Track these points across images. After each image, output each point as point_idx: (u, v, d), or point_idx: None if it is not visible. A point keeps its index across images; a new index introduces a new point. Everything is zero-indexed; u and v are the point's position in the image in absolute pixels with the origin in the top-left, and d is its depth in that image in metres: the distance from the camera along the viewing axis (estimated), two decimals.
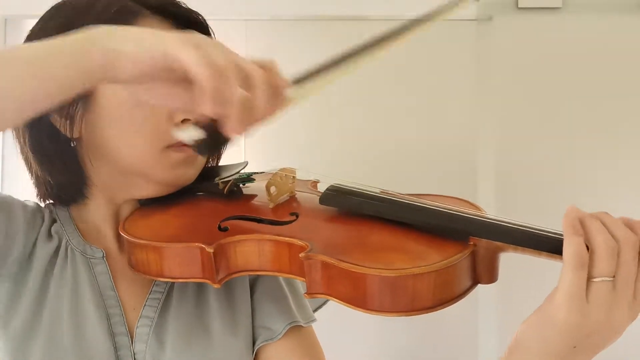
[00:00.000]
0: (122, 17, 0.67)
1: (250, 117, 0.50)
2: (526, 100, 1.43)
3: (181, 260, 0.64)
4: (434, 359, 1.42)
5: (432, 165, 1.43)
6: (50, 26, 0.68)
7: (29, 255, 0.67)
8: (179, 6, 0.71)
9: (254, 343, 0.73)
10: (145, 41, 0.50)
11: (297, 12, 1.43)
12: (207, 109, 0.48)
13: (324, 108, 1.44)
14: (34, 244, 0.68)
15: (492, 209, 1.40)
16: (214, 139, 0.52)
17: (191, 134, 0.51)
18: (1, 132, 0.49)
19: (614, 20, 1.41)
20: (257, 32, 1.44)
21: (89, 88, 0.50)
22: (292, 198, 0.74)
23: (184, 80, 0.52)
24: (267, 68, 0.52)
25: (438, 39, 1.45)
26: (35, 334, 0.63)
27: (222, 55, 0.50)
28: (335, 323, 1.38)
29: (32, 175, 0.72)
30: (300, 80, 0.58)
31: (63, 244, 0.70)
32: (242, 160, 0.83)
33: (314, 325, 0.78)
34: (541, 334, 0.52)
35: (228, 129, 0.50)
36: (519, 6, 1.42)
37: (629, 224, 0.53)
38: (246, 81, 0.50)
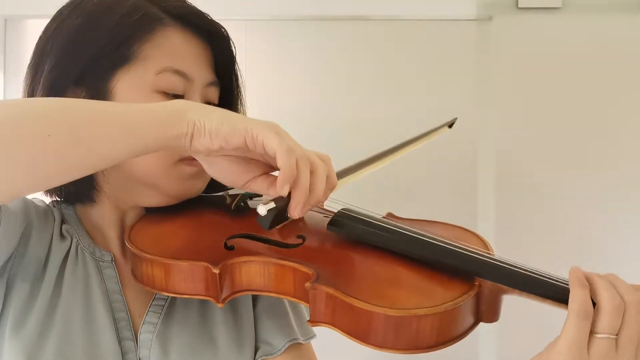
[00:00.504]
0: (145, 23, 0.66)
1: (310, 201, 0.58)
2: (526, 100, 1.43)
3: (186, 277, 0.63)
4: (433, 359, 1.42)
5: (431, 165, 1.43)
6: (68, 25, 0.66)
7: (46, 256, 0.67)
8: (202, 17, 0.71)
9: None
10: (231, 119, 0.55)
11: (297, 12, 1.43)
12: (284, 190, 0.56)
13: (324, 107, 1.44)
14: (50, 245, 0.68)
15: (492, 209, 1.41)
16: (280, 215, 0.59)
17: (269, 206, 0.57)
18: (74, 178, 0.51)
19: (614, 20, 1.41)
20: (257, 32, 1.43)
21: (161, 150, 0.55)
22: (299, 218, 0.73)
23: (244, 159, 0.60)
24: (324, 160, 0.61)
25: (438, 39, 1.45)
26: (48, 334, 0.63)
27: (296, 145, 0.58)
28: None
29: None
30: (342, 174, 0.67)
31: (74, 243, 0.69)
32: None
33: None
34: None
35: (292, 208, 0.58)
36: (519, 6, 1.42)
37: (635, 286, 0.53)
38: (311, 170, 0.58)
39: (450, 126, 1.08)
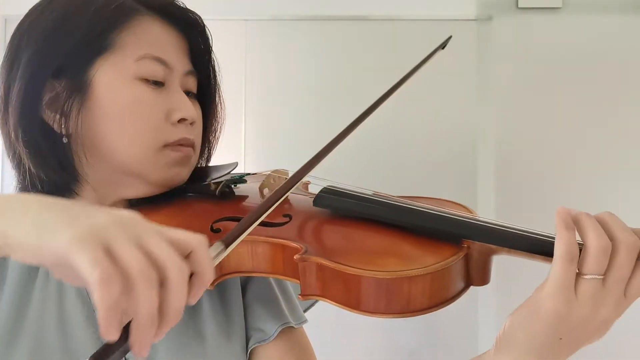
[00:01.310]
0: (121, 13, 0.66)
1: (163, 322, 0.41)
2: (526, 100, 1.43)
3: None
4: (434, 358, 1.42)
5: (431, 165, 1.43)
6: (44, 19, 0.66)
7: None
8: (177, 7, 0.71)
9: (246, 344, 0.73)
10: (41, 232, 0.41)
11: (297, 12, 1.43)
12: (110, 335, 0.38)
13: (323, 108, 1.44)
14: (3, 259, 0.66)
15: (492, 209, 1.41)
16: (113, 352, 0.39)
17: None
18: None
19: (614, 20, 1.41)
20: (257, 32, 1.43)
21: None
22: (285, 200, 0.73)
23: None
24: (192, 251, 0.43)
25: (438, 39, 1.45)
26: (15, 347, 0.62)
27: (134, 253, 0.39)
28: (332, 323, 1.38)
29: (20, 172, 0.70)
30: (228, 242, 0.50)
31: None
32: (236, 161, 0.83)
33: (308, 325, 0.77)
34: (528, 323, 0.53)
35: (135, 348, 0.40)
36: (519, 6, 1.42)
37: (634, 230, 0.53)
38: (161, 278, 0.40)
39: (443, 47, 0.90)
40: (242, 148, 1.42)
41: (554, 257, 0.51)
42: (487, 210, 1.42)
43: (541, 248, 0.55)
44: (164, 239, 0.42)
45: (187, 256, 0.43)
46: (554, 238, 0.54)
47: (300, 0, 1.44)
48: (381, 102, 0.73)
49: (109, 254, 0.39)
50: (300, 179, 0.61)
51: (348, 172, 1.32)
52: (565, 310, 0.51)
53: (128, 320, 0.39)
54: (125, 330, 0.39)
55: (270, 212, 0.56)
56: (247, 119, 1.42)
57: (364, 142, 1.43)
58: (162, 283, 0.40)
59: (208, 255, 0.44)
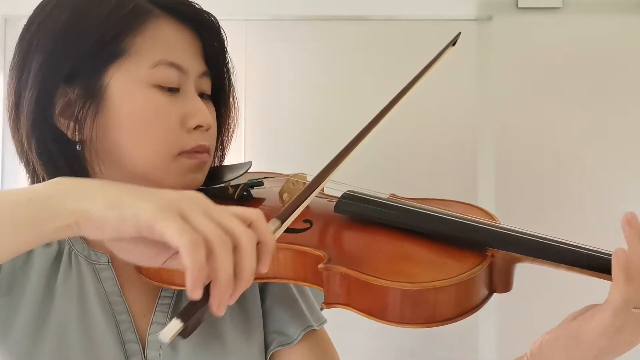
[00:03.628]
0: (136, 16, 0.64)
1: (238, 284, 0.45)
2: (526, 100, 1.43)
3: None
4: (434, 358, 1.42)
5: (431, 165, 1.43)
6: (53, 21, 0.64)
7: (23, 265, 0.65)
8: (191, 6, 0.70)
9: (266, 348, 0.73)
10: (119, 204, 0.45)
11: (297, 12, 1.43)
12: (195, 293, 0.43)
13: (324, 107, 1.44)
14: (27, 256, 0.66)
15: (492, 208, 1.40)
16: (200, 317, 0.46)
17: (174, 329, 0.43)
18: None
19: (614, 20, 1.41)
20: (257, 32, 1.43)
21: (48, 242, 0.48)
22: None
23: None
24: (252, 223, 0.48)
25: (438, 39, 1.44)
26: (41, 343, 0.61)
27: (209, 223, 0.45)
28: (334, 322, 1.38)
29: (34, 181, 0.68)
30: (284, 218, 0.54)
31: (66, 250, 0.68)
32: (250, 160, 0.82)
33: None
34: (567, 347, 0.53)
35: (214, 307, 0.45)
36: (519, 6, 1.42)
37: None
38: (234, 246, 0.45)
39: (454, 44, 0.92)
40: (242, 148, 1.42)
41: (613, 280, 0.51)
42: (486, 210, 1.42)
43: (566, 258, 0.55)
44: (228, 212, 0.47)
45: (248, 226, 0.47)
46: (576, 247, 0.54)
47: (300, 0, 1.43)
48: (397, 101, 0.74)
49: (188, 223, 0.44)
50: (328, 177, 0.61)
51: (347, 172, 1.32)
52: (609, 345, 0.51)
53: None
54: (206, 291, 0.44)
55: (318, 190, 0.58)
56: (247, 119, 1.42)
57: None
58: (234, 249, 0.45)
59: (267, 225, 0.49)
